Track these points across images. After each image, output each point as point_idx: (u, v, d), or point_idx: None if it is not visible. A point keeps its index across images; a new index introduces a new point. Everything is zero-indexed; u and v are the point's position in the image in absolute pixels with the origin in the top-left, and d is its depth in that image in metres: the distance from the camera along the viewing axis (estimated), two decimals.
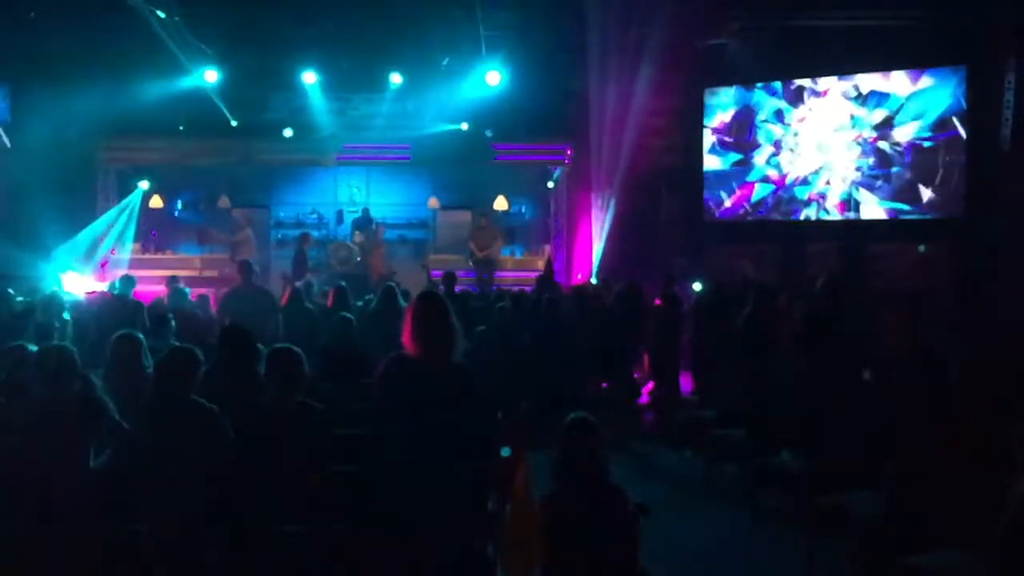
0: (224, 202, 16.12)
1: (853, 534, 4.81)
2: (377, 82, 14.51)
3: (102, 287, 11.80)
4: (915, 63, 12.89)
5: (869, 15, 12.53)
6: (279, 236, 16.75)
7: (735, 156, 14.23)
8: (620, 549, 3.69)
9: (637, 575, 3.76)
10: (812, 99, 13.71)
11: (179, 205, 17.09)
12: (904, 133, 13.02)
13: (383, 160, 16.24)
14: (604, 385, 9.67)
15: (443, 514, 3.65)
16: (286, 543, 4.11)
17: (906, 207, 13.06)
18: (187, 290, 10.13)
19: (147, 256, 15.47)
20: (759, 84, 14.00)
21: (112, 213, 15.15)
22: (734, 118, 14.21)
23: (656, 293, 10.28)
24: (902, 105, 13.00)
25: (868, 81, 13.26)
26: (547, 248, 16.05)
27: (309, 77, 14.07)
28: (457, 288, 10.44)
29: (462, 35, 13.36)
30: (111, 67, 13.30)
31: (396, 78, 14.26)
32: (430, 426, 3.66)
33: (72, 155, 14.15)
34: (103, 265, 14.06)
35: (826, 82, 13.57)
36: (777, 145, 13.94)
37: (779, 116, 13.90)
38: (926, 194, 12.93)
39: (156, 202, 16.25)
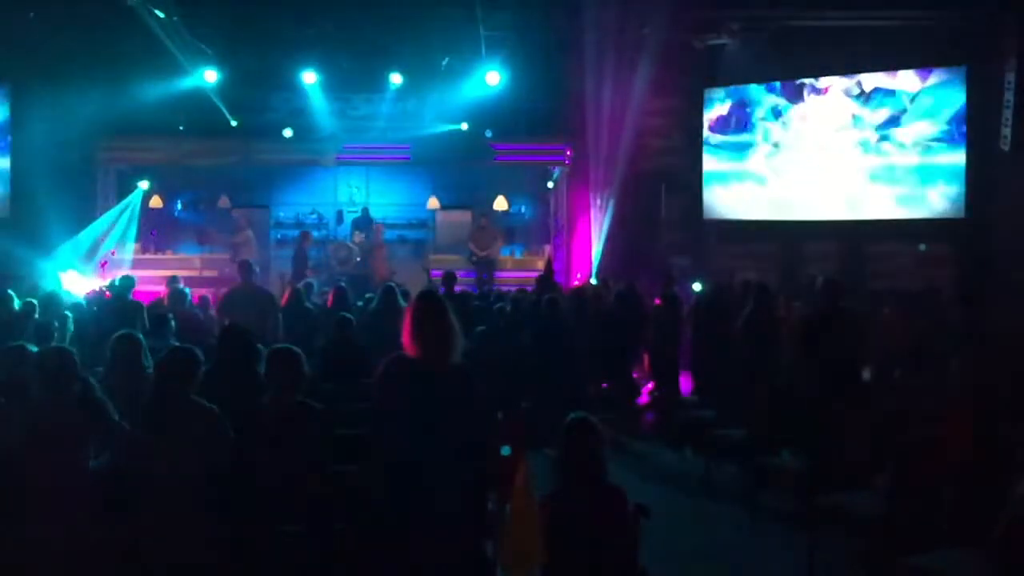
0: (224, 202, 16.13)
1: (853, 534, 4.82)
2: (377, 82, 14.53)
3: (102, 287, 11.78)
4: (915, 64, 12.89)
5: (869, 15, 12.52)
6: (279, 236, 16.74)
7: (735, 156, 14.23)
8: (620, 549, 3.69)
9: (637, 575, 3.76)
10: (812, 96, 13.70)
11: (179, 205, 17.11)
12: (908, 132, 12.99)
13: (383, 160, 16.24)
14: (604, 385, 9.66)
15: (443, 514, 3.64)
16: (286, 543, 4.11)
17: (906, 207, 13.05)
18: (187, 290, 10.12)
19: (147, 256, 15.45)
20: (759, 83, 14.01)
21: (113, 213, 15.13)
22: (731, 112, 14.20)
23: (656, 293, 10.28)
24: (909, 103, 12.96)
25: (872, 78, 13.21)
26: (547, 248, 16.04)
27: (309, 77, 14.07)
28: (457, 288, 10.44)
29: (462, 35, 13.35)
30: (111, 67, 13.31)
31: (396, 78, 14.27)
32: (430, 426, 3.65)
33: (72, 155, 14.14)
34: (103, 265, 14.04)
35: (827, 79, 13.55)
36: (776, 144, 13.93)
37: (777, 113, 13.89)
38: (926, 194, 12.92)
39: (156, 202, 16.25)
